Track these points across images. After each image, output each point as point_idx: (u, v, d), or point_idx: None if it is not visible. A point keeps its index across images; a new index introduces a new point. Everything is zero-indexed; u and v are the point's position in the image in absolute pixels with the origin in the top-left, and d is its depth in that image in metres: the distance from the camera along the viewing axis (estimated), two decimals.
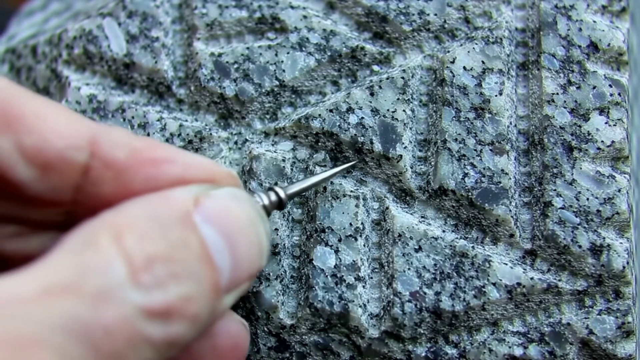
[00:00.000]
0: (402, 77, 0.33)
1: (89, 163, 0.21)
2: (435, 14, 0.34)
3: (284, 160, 0.32)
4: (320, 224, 0.31)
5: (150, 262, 0.19)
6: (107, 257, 0.19)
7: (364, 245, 0.31)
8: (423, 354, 0.31)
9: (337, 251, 0.31)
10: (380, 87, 0.33)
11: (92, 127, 0.22)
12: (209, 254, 0.20)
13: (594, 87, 0.33)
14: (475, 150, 0.32)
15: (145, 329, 0.19)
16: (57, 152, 0.21)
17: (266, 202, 0.25)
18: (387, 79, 0.33)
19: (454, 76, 0.33)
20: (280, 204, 0.26)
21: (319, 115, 0.33)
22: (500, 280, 0.31)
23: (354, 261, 0.31)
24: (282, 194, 0.26)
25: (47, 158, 0.21)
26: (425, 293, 0.31)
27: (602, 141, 0.32)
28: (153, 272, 0.19)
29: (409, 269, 0.31)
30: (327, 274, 0.31)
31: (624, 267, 0.31)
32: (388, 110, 0.32)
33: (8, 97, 0.21)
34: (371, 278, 0.31)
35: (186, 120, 0.34)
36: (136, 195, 0.21)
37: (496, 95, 0.32)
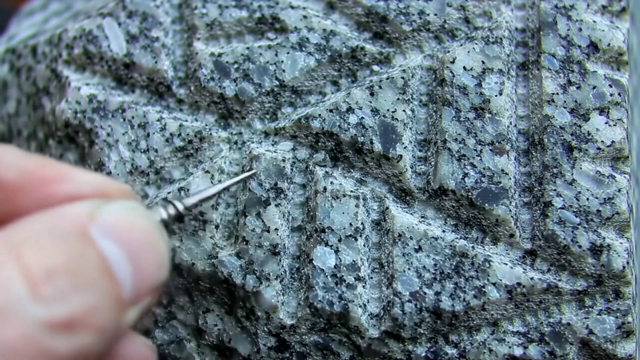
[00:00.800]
0: (402, 77, 0.33)
1: None
2: (435, 14, 0.34)
3: (284, 160, 0.32)
4: (320, 224, 0.31)
5: (50, 274, 0.19)
6: (5, 273, 0.18)
7: (364, 245, 0.31)
8: (423, 354, 0.31)
9: (337, 251, 0.31)
10: (380, 87, 0.33)
11: None
12: (108, 266, 0.20)
13: (594, 87, 0.33)
14: (475, 150, 0.32)
15: (50, 343, 0.18)
16: None
17: (164, 215, 0.25)
18: (387, 79, 0.33)
19: (454, 76, 0.33)
20: (179, 217, 0.26)
21: (319, 115, 0.33)
22: (500, 280, 0.31)
23: (354, 261, 0.31)
24: (179, 207, 0.26)
25: None
26: (425, 293, 0.31)
27: (602, 141, 0.32)
28: (53, 284, 0.19)
29: (409, 269, 0.31)
30: (327, 274, 0.31)
31: (624, 267, 0.31)
32: (388, 110, 0.32)
33: None
34: (371, 278, 0.31)
35: (186, 120, 0.34)
36: (29, 214, 0.21)
37: (496, 95, 0.32)
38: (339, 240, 0.31)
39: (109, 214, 0.21)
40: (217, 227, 0.32)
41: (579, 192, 0.31)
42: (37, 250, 0.19)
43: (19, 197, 0.21)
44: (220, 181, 0.32)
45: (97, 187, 0.22)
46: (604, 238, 0.31)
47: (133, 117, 0.34)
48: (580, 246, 0.31)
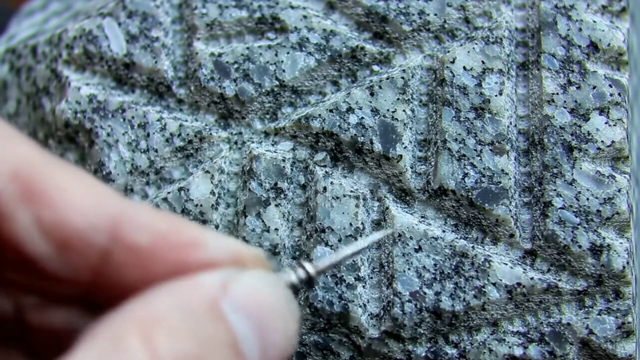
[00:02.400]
0: (402, 77, 0.33)
1: (109, 246, 0.20)
2: (435, 14, 0.34)
3: (284, 160, 0.32)
4: (320, 224, 0.31)
5: None
6: (134, 354, 0.18)
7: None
8: (423, 354, 0.31)
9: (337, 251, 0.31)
10: (380, 87, 0.33)
11: (115, 207, 0.21)
12: (238, 348, 0.20)
13: (594, 87, 0.33)
14: (475, 150, 0.32)
15: None
16: (76, 231, 0.20)
17: (294, 279, 0.24)
18: (387, 79, 0.33)
19: (454, 76, 0.33)
20: (309, 281, 0.24)
21: (319, 115, 0.33)
22: (500, 280, 0.31)
23: (354, 261, 0.31)
24: (311, 271, 0.24)
25: (65, 236, 0.20)
26: (425, 293, 0.31)
27: (602, 141, 0.32)
28: None
29: (409, 269, 0.31)
30: (327, 274, 0.31)
31: (624, 267, 0.31)
32: (388, 110, 0.33)
33: (32, 166, 0.20)
34: (371, 278, 0.31)
35: (186, 120, 0.34)
36: (160, 279, 0.20)
37: (496, 95, 0.32)
38: (339, 240, 0.31)
39: (242, 287, 0.21)
40: (217, 227, 0.32)
41: (579, 192, 0.31)
42: (168, 333, 0.19)
43: (152, 263, 0.21)
44: (350, 245, 0.30)
45: (231, 254, 0.21)
46: (604, 238, 0.31)
47: (133, 117, 0.34)
48: (580, 246, 0.31)
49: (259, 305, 0.21)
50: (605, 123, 0.32)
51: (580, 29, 0.33)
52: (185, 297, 0.20)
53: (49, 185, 0.20)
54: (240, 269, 0.21)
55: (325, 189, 0.32)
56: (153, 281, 0.20)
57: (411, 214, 0.32)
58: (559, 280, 0.31)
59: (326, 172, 0.32)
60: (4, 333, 0.23)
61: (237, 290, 0.20)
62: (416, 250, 0.31)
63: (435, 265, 0.31)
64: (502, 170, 0.32)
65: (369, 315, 0.31)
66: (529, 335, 0.31)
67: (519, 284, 0.31)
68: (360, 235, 0.31)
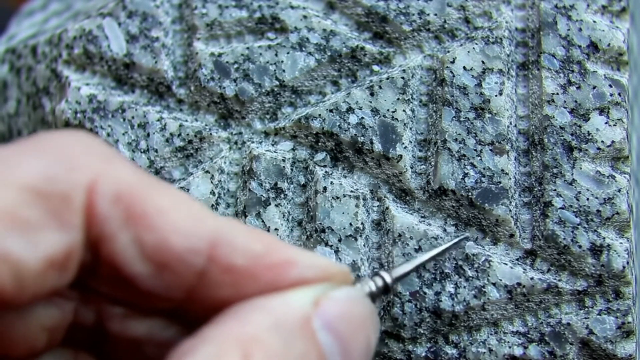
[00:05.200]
0: (402, 77, 0.33)
1: (206, 267, 0.21)
2: (435, 14, 0.34)
3: (284, 160, 0.32)
4: (320, 224, 0.31)
5: None
6: None
7: (364, 245, 0.31)
8: (423, 354, 0.31)
9: (337, 251, 0.31)
10: (380, 87, 0.33)
11: (213, 228, 0.21)
12: None
13: (594, 87, 0.33)
14: (475, 150, 0.32)
15: None
16: (175, 254, 0.20)
17: (373, 288, 0.25)
18: (387, 79, 0.33)
19: (454, 76, 0.33)
20: (386, 289, 0.25)
21: (319, 115, 0.33)
22: (500, 280, 0.31)
23: (354, 261, 0.31)
24: (388, 279, 0.25)
25: (164, 258, 0.20)
26: (425, 293, 0.31)
27: (602, 141, 0.32)
28: None
29: None
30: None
31: (624, 267, 0.31)
32: (388, 110, 0.33)
33: (132, 188, 0.21)
34: None
35: (186, 120, 0.34)
36: (252, 296, 0.21)
37: (496, 95, 0.32)
38: (339, 240, 0.31)
39: (331, 304, 0.21)
40: None
41: (579, 192, 0.31)
42: (265, 352, 0.19)
43: (246, 283, 0.21)
44: (427, 251, 0.30)
45: (321, 272, 0.22)
46: (604, 238, 0.31)
47: (133, 117, 0.34)
48: (580, 246, 0.31)
49: (346, 324, 0.21)
50: (605, 123, 0.32)
51: (580, 29, 0.33)
52: (280, 315, 0.20)
53: (149, 207, 0.20)
54: (330, 286, 0.22)
55: (325, 189, 0.32)
56: (245, 298, 0.21)
57: (411, 214, 0.32)
58: (559, 280, 0.31)
59: (326, 172, 0.32)
60: (81, 340, 0.23)
61: (327, 307, 0.21)
62: (416, 250, 0.31)
63: (435, 265, 0.31)
64: (502, 170, 0.32)
65: None
66: (529, 335, 0.31)
67: (519, 284, 0.31)
68: (361, 236, 0.31)
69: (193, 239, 0.21)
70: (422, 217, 0.32)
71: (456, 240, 0.31)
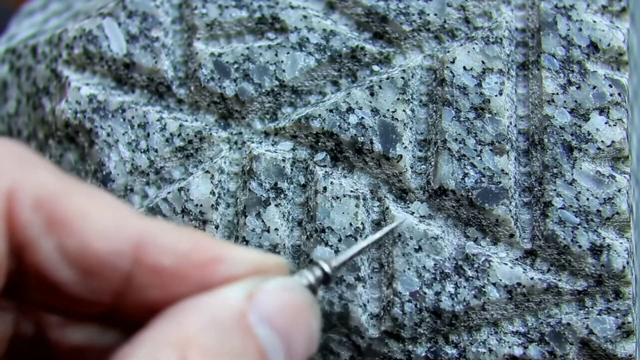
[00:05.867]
0: (402, 77, 0.33)
1: (132, 269, 0.21)
2: (435, 14, 0.34)
3: (284, 160, 0.32)
4: (320, 224, 0.31)
5: None
6: None
7: (368, 250, 0.31)
8: (423, 354, 0.31)
9: (337, 251, 0.31)
10: (380, 87, 0.33)
11: (137, 229, 0.21)
12: (265, 356, 0.20)
13: (594, 87, 0.33)
14: (475, 150, 0.32)
15: None
16: (99, 258, 0.20)
17: (312, 279, 0.24)
18: (387, 79, 0.33)
19: (454, 76, 0.33)
20: (325, 278, 0.25)
21: (319, 115, 0.33)
22: (500, 280, 0.31)
23: (354, 261, 0.31)
24: (326, 268, 0.25)
25: (89, 262, 0.20)
26: (425, 293, 0.31)
27: (602, 141, 0.32)
28: None
29: (409, 269, 0.31)
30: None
31: (624, 267, 0.31)
32: (388, 110, 0.33)
33: (53, 193, 0.20)
34: (371, 278, 0.31)
35: (186, 120, 0.34)
36: (183, 296, 0.21)
37: (496, 95, 0.32)
38: (339, 240, 0.31)
39: (266, 297, 0.21)
40: (217, 227, 0.32)
41: (579, 192, 0.31)
42: (203, 352, 0.19)
43: (175, 283, 0.21)
44: (363, 239, 0.30)
45: (253, 265, 0.22)
46: (604, 238, 0.31)
47: (133, 117, 0.34)
48: (580, 246, 0.31)
49: (284, 314, 0.21)
50: (605, 123, 0.32)
51: (580, 29, 0.33)
52: (214, 313, 0.20)
53: (71, 212, 0.20)
54: (263, 279, 0.21)
55: (325, 189, 0.32)
56: (177, 298, 0.21)
57: (411, 213, 0.32)
58: (559, 280, 0.31)
59: (326, 172, 0.32)
60: (24, 352, 0.23)
61: (261, 300, 0.21)
62: (416, 250, 0.31)
63: (435, 265, 0.31)
64: (502, 170, 0.32)
65: (369, 315, 0.31)
66: (529, 335, 0.31)
67: (519, 284, 0.31)
68: (361, 235, 0.31)
69: (116, 242, 0.20)
70: (422, 217, 0.32)
71: (393, 225, 0.30)
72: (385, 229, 0.30)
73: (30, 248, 0.20)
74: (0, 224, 0.20)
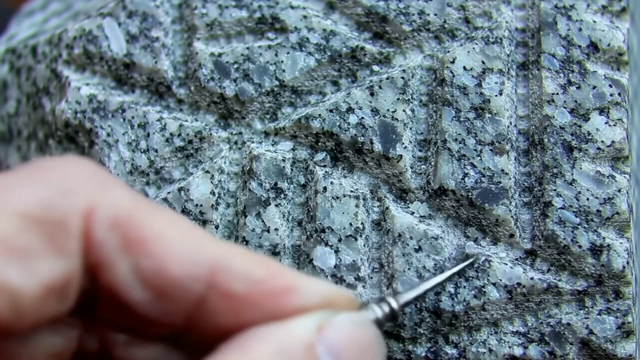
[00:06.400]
0: (402, 77, 0.33)
1: (205, 293, 0.21)
2: (435, 14, 0.34)
3: (284, 160, 0.32)
4: (320, 224, 0.31)
5: None
6: None
7: (364, 245, 0.31)
8: (423, 354, 0.31)
9: (337, 251, 0.31)
10: (380, 87, 0.33)
11: (213, 254, 0.21)
12: None
13: (594, 87, 0.33)
14: (475, 150, 0.32)
15: None
16: (174, 281, 0.20)
17: (379, 314, 0.24)
18: (387, 79, 0.33)
19: (454, 76, 0.33)
20: (393, 315, 0.25)
21: (319, 115, 0.33)
22: (500, 280, 0.31)
23: (354, 261, 0.31)
24: (394, 305, 0.25)
25: (163, 285, 0.20)
26: (425, 293, 0.31)
27: (602, 141, 0.32)
28: None
29: (409, 269, 0.31)
30: (327, 274, 0.31)
31: (624, 267, 0.31)
32: (388, 110, 0.33)
33: (130, 214, 0.20)
34: (371, 278, 0.31)
35: (186, 120, 0.34)
36: (254, 323, 0.21)
37: (496, 95, 0.32)
38: (339, 240, 0.31)
39: (335, 331, 0.21)
40: (217, 227, 0.32)
41: (579, 192, 0.31)
42: None
43: (247, 310, 0.21)
44: (433, 277, 0.30)
45: (324, 298, 0.22)
46: (604, 238, 0.31)
47: (133, 117, 0.34)
48: (580, 246, 0.31)
49: (350, 348, 0.21)
50: (605, 123, 0.32)
51: (580, 29, 0.33)
52: (283, 342, 0.20)
53: (147, 233, 0.20)
54: (333, 312, 0.22)
55: (325, 189, 0.32)
56: (247, 325, 0.21)
57: (411, 213, 0.32)
58: (559, 280, 0.31)
59: (326, 172, 0.32)
60: None
61: (331, 333, 0.21)
62: (416, 250, 0.31)
63: (435, 265, 0.31)
64: (502, 170, 0.32)
65: None
66: (529, 335, 0.31)
67: (519, 284, 0.31)
68: (361, 236, 0.31)
69: (192, 266, 0.20)
70: (422, 217, 0.32)
71: (466, 263, 0.30)
72: (458, 267, 0.30)
73: (105, 268, 0.20)
74: (76, 243, 0.20)
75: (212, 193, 0.32)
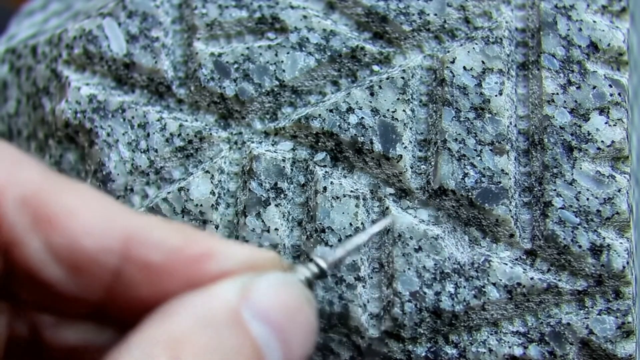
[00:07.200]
0: (402, 77, 0.33)
1: (121, 266, 0.20)
2: (435, 14, 0.34)
3: (284, 160, 0.32)
4: (320, 224, 0.31)
5: None
6: None
7: (364, 245, 0.31)
8: (423, 354, 0.31)
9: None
10: (380, 87, 0.33)
11: (126, 225, 0.20)
12: (260, 353, 0.20)
13: (594, 87, 0.33)
14: (475, 150, 0.32)
15: None
16: (87, 254, 0.20)
17: (308, 275, 0.24)
18: (387, 79, 0.33)
19: (454, 76, 0.33)
20: (322, 274, 0.25)
21: (319, 115, 0.33)
22: (500, 280, 0.31)
23: (354, 261, 0.31)
24: (322, 264, 0.24)
25: (76, 260, 0.20)
26: (425, 293, 0.31)
27: (602, 141, 0.32)
28: None
29: (409, 269, 0.31)
30: (327, 274, 0.31)
31: (624, 267, 0.31)
32: (388, 110, 0.33)
33: (40, 191, 0.20)
34: (371, 278, 0.31)
35: (186, 120, 0.34)
36: (175, 293, 0.20)
37: (496, 95, 0.32)
38: (339, 240, 0.31)
39: (259, 292, 0.20)
40: (217, 227, 0.32)
41: (579, 192, 0.31)
42: (195, 352, 0.19)
43: (165, 280, 0.20)
44: (357, 235, 0.30)
45: (245, 260, 0.21)
46: (604, 238, 0.31)
47: (133, 117, 0.34)
48: (580, 246, 0.31)
49: (279, 310, 0.20)
50: (605, 123, 0.32)
51: (580, 29, 0.33)
52: (205, 309, 0.20)
53: (58, 209, 0.20)
54: (257, 274, 0.21)
55: (325, 188, 0.32)
56: (168, 295, 0.20)
57: (411, 214, 0.32)
58: (559, 280, 0.31)
59: (326, 172, 0.32)
60: (19, 353, 0.23)
61: (255, 296, 0.20)
62: (416, 250, 0.31)
63: (435, 265, 0.31)
64: (502, 170, 0.32)
65: (369, 315, 0.31)
66: (529, 335, 0.31)
67: (519, 284, 0.31)
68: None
69: (104, 238, 0.20)
70: (421, 218, 0.32)
71: (387, 220, 0.30)
72: (380, 224, 0.30)
73: (17, 247, 0.20)
74: None
75: (212, 193, 0.32)
